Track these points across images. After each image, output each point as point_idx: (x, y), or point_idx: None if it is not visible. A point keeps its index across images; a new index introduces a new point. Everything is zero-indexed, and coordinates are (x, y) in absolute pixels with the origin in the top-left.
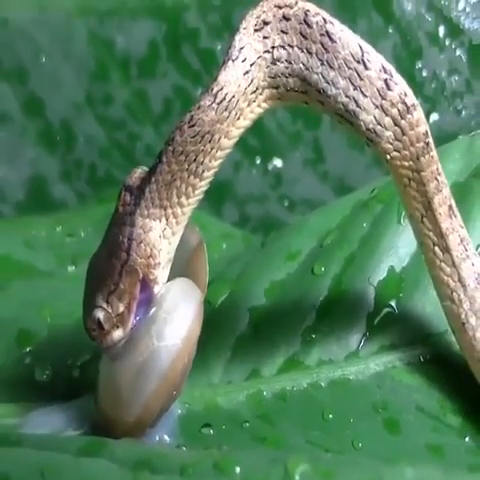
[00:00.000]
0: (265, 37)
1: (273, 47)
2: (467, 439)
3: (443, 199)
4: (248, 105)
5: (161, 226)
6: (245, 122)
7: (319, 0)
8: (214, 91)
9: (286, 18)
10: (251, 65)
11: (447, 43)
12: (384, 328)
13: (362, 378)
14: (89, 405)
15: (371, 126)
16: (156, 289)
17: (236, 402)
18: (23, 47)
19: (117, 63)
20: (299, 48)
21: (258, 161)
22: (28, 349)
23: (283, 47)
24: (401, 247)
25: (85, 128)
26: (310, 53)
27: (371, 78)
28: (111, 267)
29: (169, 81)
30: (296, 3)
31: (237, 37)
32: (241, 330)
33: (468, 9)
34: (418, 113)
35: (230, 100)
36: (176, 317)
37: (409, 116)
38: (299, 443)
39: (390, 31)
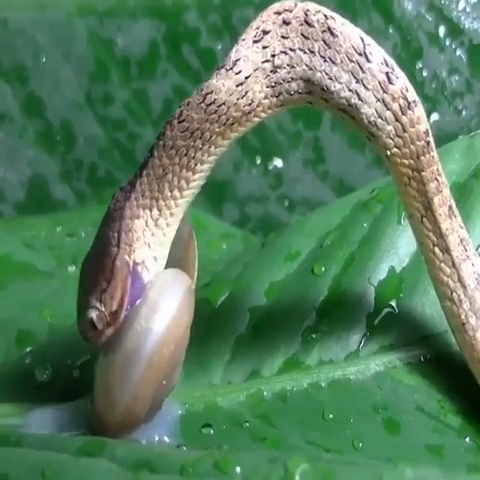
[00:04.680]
0: (264, 47)
1: (273, 55)
2: (467, 439)
3: (443, 200)
4: (242, 115)
5: (153, 215)
6: (242, 128)
7: (319, 1)
8: (203, 92)
9: (286, 23)
10: (246, 77)
11: (447, 43)
12: (384, 328)
13: (362, 378)
14: (89, 405)
15: (373, 119)
16: (146, 278)
17: (236, 402)
18: (23, 47)
19: (117, 63)
20: (301, 49)
21: (258, 161)
22: (28, 349)
23: (285, 53)
24: (401, 247)
25: (85, 128)
26: (312, 52)
27: (373, 71)
28: (102, 265)
29: (169, 81)
30: (295, 5)
31: (234, 48)
32: (241, 330)
33: (468, 9)
34: (419, 110)
35: (220, 106)
36: (162, 302)
37: (410, 112)
38: (299, 443)
39: (390, 31)
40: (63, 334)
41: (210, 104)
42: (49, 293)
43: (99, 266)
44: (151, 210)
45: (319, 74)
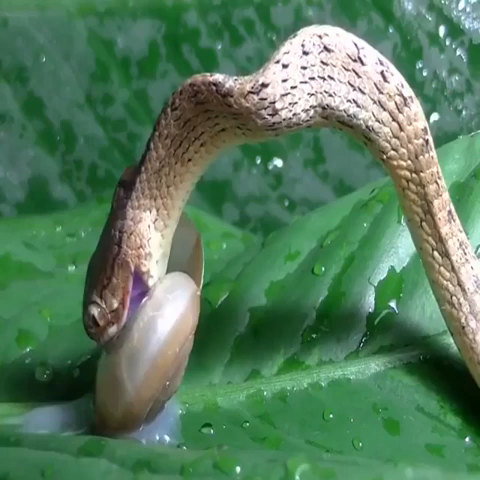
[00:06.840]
0: (262, 99)
1: (273, 102)
2: (467, 439)
3: (443, 204)
4: (232, 128)
5: (152, 217)
6: (232, 140)
7: (319, 1)
8: (195, 89)
9: (285, 66)
10: (237, 117)
11: (447, 43)
12: (384, 328)
13: (362, 378)
14: (89, 405)
15: (370, 123)
16: (151, 283)
17: (236, 402)
18: (23, 47)
19: (117, 63)
20: (302, 82)
21: (258, 161)
22: (28, 349)
23: (286, 94)
24: (401, 247)
25: (85, 128)
26: (312, 78)
27: (368, 73)
28: (104, 262)
29: (169, 81)
30: (291, 43)
31: (227, 84)
32: (241, 330)
33: (468, 9)
34: (416, 106)
35: (207, 111)
36: (168, 303)
37: (406, 109)
38: (299, 443)
39: (390, 31)
40: (63, 334)
41: (198, 104)
42: (49, 293)
43: (101, 263)
44: (151, 211)
45: (320, 95)
